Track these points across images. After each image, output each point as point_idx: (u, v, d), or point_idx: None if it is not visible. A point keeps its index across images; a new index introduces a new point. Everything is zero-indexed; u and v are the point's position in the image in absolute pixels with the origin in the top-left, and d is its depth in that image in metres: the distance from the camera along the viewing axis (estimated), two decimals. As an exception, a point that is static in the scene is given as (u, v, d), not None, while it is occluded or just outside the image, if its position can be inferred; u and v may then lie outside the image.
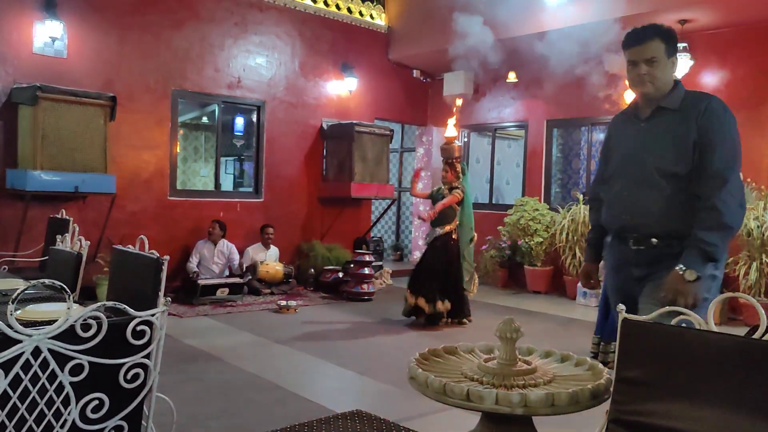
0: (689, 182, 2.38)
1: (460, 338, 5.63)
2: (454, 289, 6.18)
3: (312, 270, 8.30)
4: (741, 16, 6.86)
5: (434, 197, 6.41)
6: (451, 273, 6.16)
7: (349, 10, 9.37)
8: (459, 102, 6.90)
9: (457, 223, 6.24)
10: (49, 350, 1.53)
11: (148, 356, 1.74)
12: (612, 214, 2.61)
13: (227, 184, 11.44)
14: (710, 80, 7.37)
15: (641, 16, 6.92)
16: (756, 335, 1.55)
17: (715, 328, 1.59)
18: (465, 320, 6.30)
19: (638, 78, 2.46)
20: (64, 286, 1.55)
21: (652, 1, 6.74)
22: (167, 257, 2.15)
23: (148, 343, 1.73)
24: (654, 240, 2.42)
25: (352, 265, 7.85)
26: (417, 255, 10.19)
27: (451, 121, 6.59)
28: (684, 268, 2.29)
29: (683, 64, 7.13)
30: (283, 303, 6.83)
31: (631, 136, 2.58)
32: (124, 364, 1.68)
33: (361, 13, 9.53)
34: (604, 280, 2.79)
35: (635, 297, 2.48)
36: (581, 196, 8.45)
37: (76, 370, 1.58)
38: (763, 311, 1.57)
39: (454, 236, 6.21)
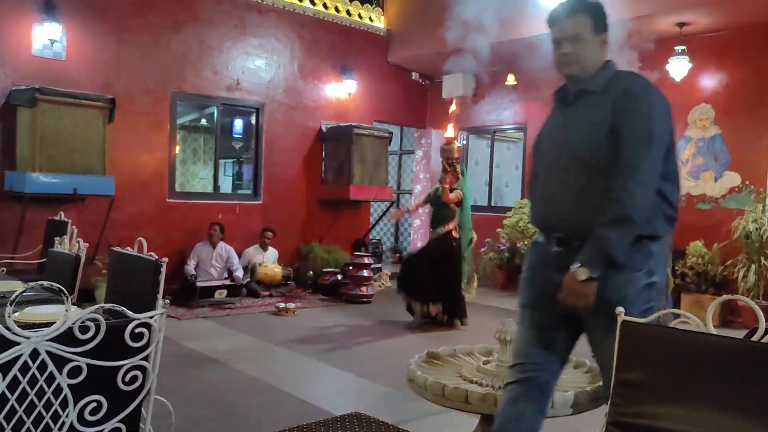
0: (607, 174, 2.06)
1: (459, 341, 5.62)
2: (450, 288, 6.18)
3: (311, 272, 8.30)
4: (739, 19, 6.87)
5: (431, 198, 6.42)
6: (450, 272, 6.16)
7: (348, 12, 9.38)
8: (454, 105, 6.89)
9: (457, 222, 6.25)
10: (47, 352, 1.53)
11: (146, 358, 1.73)
12: (533, 211, 2.37)
13: (226, 186, 11.43)
14: (708, 83, 7.38)
15: (639, 19, 6.94)
16: (755, 338, 1.55)
17: (714, 331, 1.59)
18: (458, 321, 6.25)
19: (562, 58, 2.22)
20: (62, 289, 1.55)
21: (650, 3, 6.75)
22: (166, 259, 2.16)
23: (147, 346, 1.72)
24: (578, 242, 2.07)
25: (350, 268, 7.84)
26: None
27: (450, 124, 6.61)
28: (576, 267, 2.00)
29: (681, 67, 7.13)
30: (282, 305, 6.82)
31: (555, 123, 2.35)
32: (122, 366, 1.68)
33: (360, 16, 9.54)
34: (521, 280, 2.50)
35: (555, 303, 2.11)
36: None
37: (75, 372, 1.58)
38: (761, 313, 1.57)
39: (454, 234, 6.22)
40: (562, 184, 2.16)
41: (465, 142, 10.51)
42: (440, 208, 6.26)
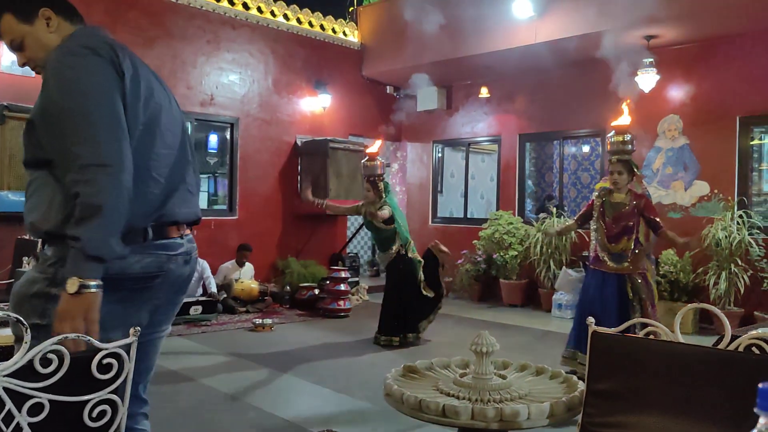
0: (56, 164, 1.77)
1: (436, 354, 5.62)
2: (417, 307, 6.07)
3: (288, 287, 8.24)
4: (705, 32, 7.05)
5: (365, 220, 6.25)
6: (413, 294, 6.03)
7: (322, 27, 9.42)
8: (377, 146, 6.47)
9: (401, 240, 6.06)
10: (5, 389, 1.37)
11: (115, 391, 1.58)
12: None
13: (201, 201, 11.31)
14: (676, 94, 7.55)
15: (608, 33, 7.08)
16: (721, 345, 1.58)
17: (681, 339, 1.62)
18: (425, 323, 6.13)
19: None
20: (20, 319, 1.40)
21: (618, 17, 6.90)
22: (137, 278, 2.10)
23: (116, 377, 1.57)
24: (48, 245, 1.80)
25: (328, 282, 7.81)
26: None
27: (377, 142, 6.52)
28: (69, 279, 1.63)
29: (650, 79, 7.28)
30: (259, 321, 6.76)
31: None
32: (88, 401, 1.52)
33: (334, 31, 9.58)
34: None
35: None
36: (554, 209, 8.55)
37: (36, 409, 1.41)
38: (727, 321, 1.60)
39: (401, 252, 6.05)
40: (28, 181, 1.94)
41: (440, 154, 10.59)
42: (377, 232, 6.09)
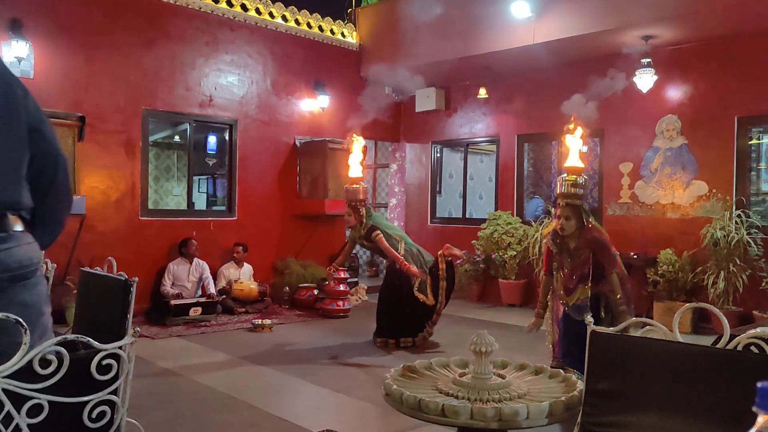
0: None
1: (435, 354, 5.63)
2: (413, 313, 6.02)
3: (287, 288, 8.24)
4: (703, 32, 7.06)
5: (359, 243, 6.24)
6: (409, 299, 5.98)
7: (320, 28, 9.43)
8: (360, 140, 6.36)
9: (403, 247, 6.07)
10: (4, 390, 1.37)
11: (115, 392, 1.57)
12: None
13: (200, 203, 11.33)
14: (674, 94, 7.56)
15: (606, 33, 7.10)
16: (719, 344, 1.58)
17: (680, 338, 1.63)
18: (427, 331, 6.08)
19: None
20: (19, 320, 1.39)
21: (616, 18, 6.90)
22: (136, 279, 2.10)
23: (115, 378, 1.57)
24: None
25: (327, 282, 7.81)
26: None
27: (355, 159, 6.26)
28: None
29: (647, 79, 7.30)
30: (258, 322, 6.76)
31: None
32: (88, 401, 1.51)
33: (332, 32, 9.58)
34: None
35: None
36: (552, 210, 8.55)
37: (35, 410, 1.41)
38: (726, 320, 1.61)
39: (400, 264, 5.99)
40: None
41: (438, 155, 10.59)
42: (376, 249, 6.14)
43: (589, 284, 4.25)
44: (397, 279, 6.04)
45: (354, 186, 6.10)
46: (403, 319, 6.01)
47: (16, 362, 1.38)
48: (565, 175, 4.34)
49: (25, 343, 1.39)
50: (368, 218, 6.09)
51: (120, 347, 1.58)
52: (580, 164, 4.41)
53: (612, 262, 4.27)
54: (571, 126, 4.53)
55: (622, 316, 4.16)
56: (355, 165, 6.30)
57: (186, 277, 7.48)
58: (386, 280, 6.24)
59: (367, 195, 6.22)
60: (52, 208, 1.85)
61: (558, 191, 4.33)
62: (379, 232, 5.97)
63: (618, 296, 4.22)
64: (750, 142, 7.14)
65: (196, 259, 7.58)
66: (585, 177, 4.37)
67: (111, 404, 1.57)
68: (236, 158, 8.47)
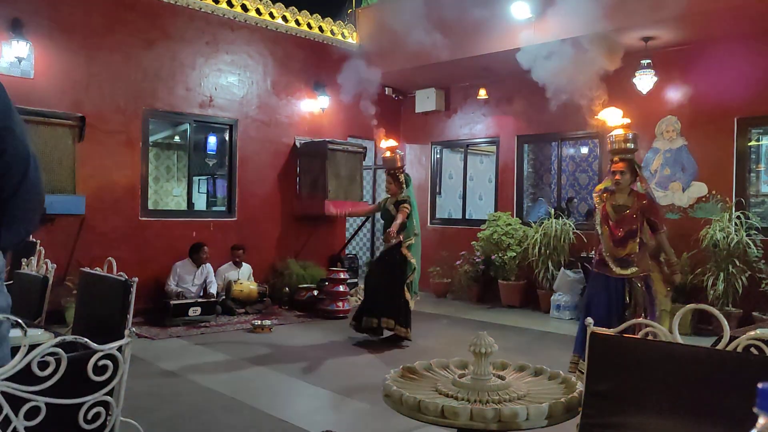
0: None
1: (434, 355, 5.62)
2: (398, 299, 6.09)
3: (287, 288, 8.24)
4: (701, 34, 7.07)
5: (382, 209, 6.37)
6: (394, 283, 6.07)
7: (320, 29, 9.43)
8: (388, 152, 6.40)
9: (407, 233, 6.15)
10: (2, 393, 1.36)
11: (110, 393, 1.57)
12: None
13: (200, 203, 11.33)
14: (674, 95, 7.56)
15: (606, 34, 7.09)
16: (719, 345, 1.58)
17: (680, 340, 1.62)
18: (403, 330, 6.07)
19: None
20: (20, 321, 1.40)
21: (616, 19, 6.91)
22: (135, 279, 2.10)
23: (111, 379, 1.57)
24: None
25: (326, 283, 7.81)
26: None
27: (384, 139, 6.53)
28: None
29: (647, 80, 7.30)
30: (258, 322, 6.76)
31: None
32: (84, 403, 1.51)
33: (332, 32, 9.59)
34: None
35: None
36: (552, 210, 8.56)
37: (32, 412, 1.40)
38: (725, 322, 1.61)
39: (403, 247, 6.10)
40: None
41: (438, 156, 10.59)
42: (391, 220, 6.18)
43: (638, 240, 4.49)
44: (386, 265, 6.12)
45: (391, 155, 6.19)
46: (383, 301, 6.07)
47: (15, 365, 1.37)
48: (616, 132, 4.64)
49: (25, 345, 1.38)
50: (407, 187, 6.21)
51: (116, 347, 1.58)
52: (627, 120, 4.74)
53: (662, 220, 4.58)
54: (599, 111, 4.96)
55: (674, 283, 4.69)
56: (387, 140, 6.45)
57: (191, 279, 7.46)
58: (377, 263, 6.33)
59: (404, 162, 6.31)
60: (20, 207, 1.80)
61: (610, 148, 4.67)
62: (408, 206, 6.04)
63: (673, 261, 4.58)
64: (750, 144, 7.15)
65: (203, 264, 7.55)
66: (634, 133, 4.67)
67: (106, 405, 1.57)
68: (236, 159, 8.47)
